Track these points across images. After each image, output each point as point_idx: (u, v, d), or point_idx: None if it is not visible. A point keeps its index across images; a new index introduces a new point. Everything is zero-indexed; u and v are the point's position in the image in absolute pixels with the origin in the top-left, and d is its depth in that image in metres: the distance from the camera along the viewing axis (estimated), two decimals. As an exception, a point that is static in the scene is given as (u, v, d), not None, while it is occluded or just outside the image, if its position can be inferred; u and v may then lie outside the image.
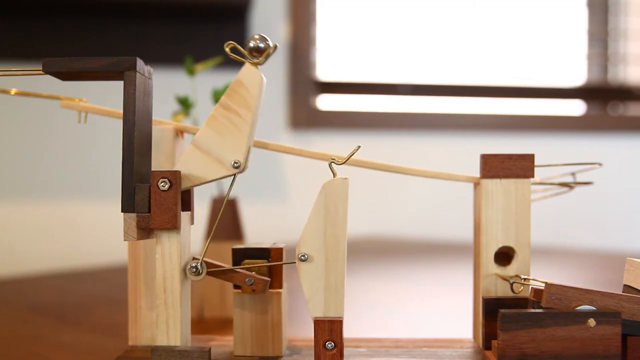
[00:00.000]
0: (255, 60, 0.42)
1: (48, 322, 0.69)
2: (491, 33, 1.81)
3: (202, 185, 0.43)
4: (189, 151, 0.42)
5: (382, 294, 0.84)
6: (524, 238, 0.46)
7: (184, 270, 0.42)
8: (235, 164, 0.42)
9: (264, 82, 0.43)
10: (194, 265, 0.42)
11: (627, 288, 0.43)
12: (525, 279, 0.44)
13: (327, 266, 0.41)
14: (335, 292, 0.41)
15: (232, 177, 0.42)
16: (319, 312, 0.41)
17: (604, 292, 0.40)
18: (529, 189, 0.46)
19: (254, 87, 0.42)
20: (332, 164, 0.41)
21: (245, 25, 1.59)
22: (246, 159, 0.42)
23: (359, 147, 0.42)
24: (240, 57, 0.42)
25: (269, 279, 0.44)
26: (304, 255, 0.41)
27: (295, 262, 0.41)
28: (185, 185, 0.42)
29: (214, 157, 0.42)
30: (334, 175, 0.41)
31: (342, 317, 0.41)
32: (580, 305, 0.40)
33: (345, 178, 0.41)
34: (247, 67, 0.42)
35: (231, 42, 0.41)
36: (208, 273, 0.43)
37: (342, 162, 0.42)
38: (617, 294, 0.40)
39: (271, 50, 0.41)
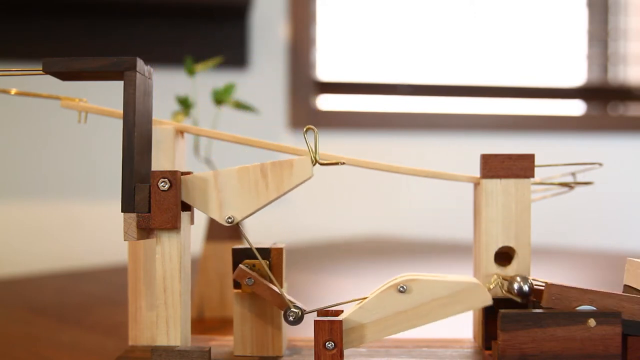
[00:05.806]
0: (322, 162, 0.41)
1: (48, 322, 0.69)
2: (491, 33, 1.81)
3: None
4: (209, 175, 0.42)
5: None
6: (524, 238, 0.45)
7: (284, 316, 0.42)
8: (228, 220, 0.42)
9: (309, 179, 0.42)
10: (295, 310, 0.42)
11: (627, 288, 0.43)
12: (525, 279, 0.44)
13: (397, 313, 0.41)
14: (376, 327, 0.41)
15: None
16: (351, 321, 0.41)
17: (604, 292, 0.40)
18: (529, 189, 0.45)
19: (297, 179, 0.41)
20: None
21: (245, 25, 1.59)
22: (242, 219, 0.42)
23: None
24: (308, 147, 0.41)
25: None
26: (403, 287, 0.41)
27: (390, 288, 0.41)
28: (185, 198, 0.42)
29: (219, 198, 0.42)
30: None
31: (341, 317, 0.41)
32: (580, 305, 0.40)
33: (489, 300, 0.41)
34: (306, 162, 0.41)
35: (311, 126, 0.41)
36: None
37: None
38: (617, 294, 0.40)
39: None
